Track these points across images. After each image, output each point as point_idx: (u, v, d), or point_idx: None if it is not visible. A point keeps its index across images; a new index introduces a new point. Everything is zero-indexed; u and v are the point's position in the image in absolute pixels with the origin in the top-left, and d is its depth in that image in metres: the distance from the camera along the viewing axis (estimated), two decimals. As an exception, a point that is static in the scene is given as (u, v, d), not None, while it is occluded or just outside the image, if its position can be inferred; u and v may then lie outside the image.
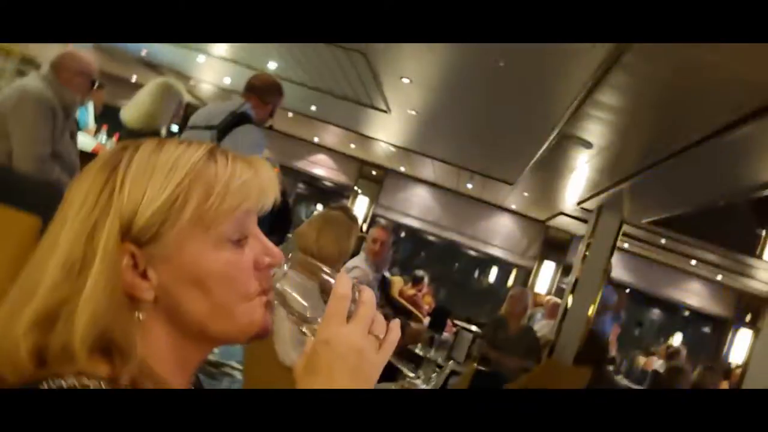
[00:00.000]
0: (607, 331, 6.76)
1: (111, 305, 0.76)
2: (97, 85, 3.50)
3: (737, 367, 8.79)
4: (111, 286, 0.76)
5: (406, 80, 5.51)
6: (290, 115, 9.52)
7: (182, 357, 0.85)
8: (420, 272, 8.42)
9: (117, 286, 0.76)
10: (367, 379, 0.77)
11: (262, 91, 3.73)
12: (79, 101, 3.30)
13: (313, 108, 8.33)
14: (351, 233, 2.90)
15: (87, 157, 4.10)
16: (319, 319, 0.82)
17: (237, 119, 3.55)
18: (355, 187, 11.26)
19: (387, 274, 6.72)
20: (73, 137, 3.39)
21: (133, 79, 10.27)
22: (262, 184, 0.85)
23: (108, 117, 6.10)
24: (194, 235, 0.79)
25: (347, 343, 0.76)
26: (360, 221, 11.22)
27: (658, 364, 8.68)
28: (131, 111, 3.82)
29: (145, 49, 8.20)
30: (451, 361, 4.40)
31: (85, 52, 3.57)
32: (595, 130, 4.62)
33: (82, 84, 3.26)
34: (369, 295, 0.81)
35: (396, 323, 0.83)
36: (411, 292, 7.96)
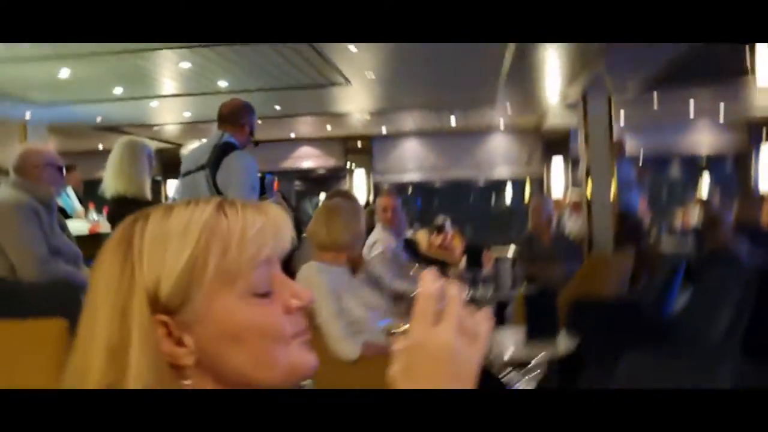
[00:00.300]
0: (635, 206, 6.70)
1: (157, 380, 0.76)
2: (65, 169, 3.49)
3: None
4: (154, 362, 0.76)
5: (352, 48, 5.44)
6: (259, 122, 9.43)
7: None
8: (440, 219, 8.37)
9: (160, 360, 0.77)
10: (466, 377, 0.76)
11: (234, 116, 3.81)
12: (55, 192, 3.28)
13: (278, 107, 8.28)
14: (357, 214, 2.90)
15: (87, 240, 4.13)
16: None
17: (222, 151, 3.59)
18: (347, 165, 11.21)
19: (409, 233, 6.74)
20: (64, 228, 3.39)
21: (100, 147, 10.24)
22: (277, 228, 0.85)
23: (91, 194, 6.11)
24: (221, 293, 0.79)
25: (440, 345, 0.75)
26: (364, 195, 11.21)
27: (695, 214, 8.60)
28: (107, 182, 3.85)
29: (98, 117, 8.15)
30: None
31: (40, 145, 3.56)
32: None
33: (52, 175, 3.24)
34: (455, 290, 0.79)
35: (485, 313, 0.82)
36: (438, 241, 7.94)
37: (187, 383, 0.80)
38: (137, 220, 0.83)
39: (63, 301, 2.97)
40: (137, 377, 0.75)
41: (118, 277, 0.79)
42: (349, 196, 3.24)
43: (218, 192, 3.53)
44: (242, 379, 0.82)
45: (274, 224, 0.84)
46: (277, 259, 0.86)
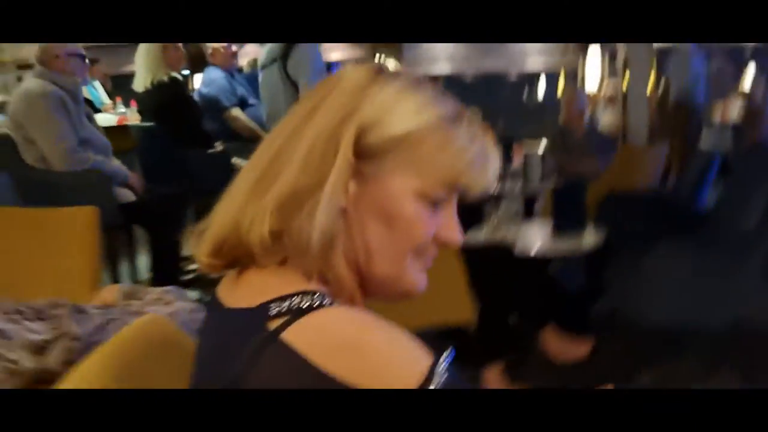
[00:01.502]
0: (700, 102, 6.35)
1: (340, 207, 0.79)
2: (89, 60, 3.49)
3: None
4: (344, 190, 0.78)
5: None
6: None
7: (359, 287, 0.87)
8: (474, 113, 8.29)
9: (346, 191, 0.79)
10: None
11: None
12: (80, 82, 3.30)
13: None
14: None
15: (114, 131, 4.16)
16: None
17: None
18: (376, 56, 10.97)
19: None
20: (91, 119, 3.41)
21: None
22: (487, 171, 0.85)
23: (119, 88, 6.10)
24: (406, 175, 0.80)
25: None
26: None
27: (737, 106, 8.30)
28: (138, 77, 3.94)
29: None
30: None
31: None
32: None
33: (75, 64, 3.26)
34: None
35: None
36: (468, 136, 7.90)
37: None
38: (380, 71, 0.84)
39: (93, 190, 3.03)
40: (331, 196, 0.77)
41: (348, 96, 0.80)
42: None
43: (290, 80, 3.94)
44: (364, 257, 0.84)
45: (487, 171, 0.85)
46: (457, 195, 0.86)
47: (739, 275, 2.43)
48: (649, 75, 6.07)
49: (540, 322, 2.82)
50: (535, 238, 3.22)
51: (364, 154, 0.79)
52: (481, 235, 3.17)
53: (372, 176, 0.80)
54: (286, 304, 0.76)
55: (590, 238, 3.05)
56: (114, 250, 3.38)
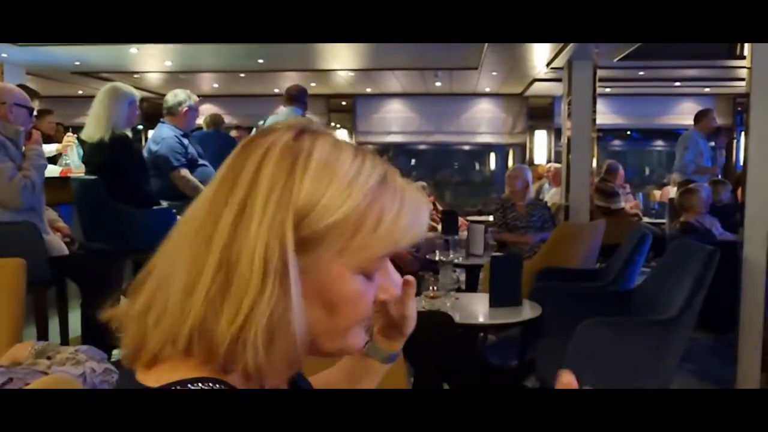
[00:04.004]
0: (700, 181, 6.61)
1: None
2: (39, 112, 3.48)
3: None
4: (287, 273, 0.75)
5: (338, 2, 5.35)
6: (242, 75, 9.31)
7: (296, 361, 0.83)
8: (421, 184, 8.39)
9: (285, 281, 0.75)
10: None
11: (300, 96, 5.62)
12: (22, 130, 3.27)
13: (261, 61, 8.15)
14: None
15: (56, 182, 4.08)
16: None
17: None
18: (330, 123, 11.12)
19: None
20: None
21: (80, 92, 10.06)
22: (421, 225, 0.83)
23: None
24: (343, 257, 0.77)
25: None
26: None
27: (673, 191, 8.65)
28: (88, 126, 3.90)
29: (77, 61, 7.98)
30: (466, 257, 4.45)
31: (9, 85, 3.53)
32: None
33: (20, 114, 3.24)
34: None
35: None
36: (416, 205, 7.97)
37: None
38: (304, 137, 0.79)
39: (24, 242, 2.97)
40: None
41: (281, 185, 0.75)
42: None
43: None
44: (309, 339, 0.80)
45: (420, 220, 0.83)
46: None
47: (665, 357, 2.49)
48: (591, 153, 6.28)
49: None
50: (474, 308, 3.24)
51: (301, 243, 0.76)
52: (420, 303, 3.18)
53: (307, 269, 0.77)
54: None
55: (526, 311, 3.09)
56: (43, 306, 3.27)
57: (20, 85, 3.88)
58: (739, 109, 10.19)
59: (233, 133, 7.97)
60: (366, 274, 0.80)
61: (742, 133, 9.68)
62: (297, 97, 5.45)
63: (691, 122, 10.85)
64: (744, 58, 6.91)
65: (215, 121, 6.91)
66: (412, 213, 0.81)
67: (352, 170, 0.79)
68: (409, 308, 0.99)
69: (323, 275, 0.78)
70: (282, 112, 5.36)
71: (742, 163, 2.37)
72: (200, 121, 6.21)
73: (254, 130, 4.18)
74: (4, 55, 7.23)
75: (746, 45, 4.11)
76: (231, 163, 0.80)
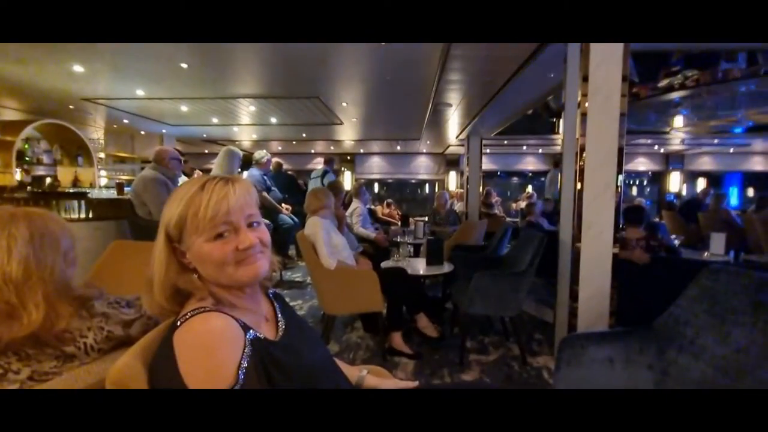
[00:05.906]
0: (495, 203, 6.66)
1: (171, 274, 0.79)
2: (183, 161, 3.38)
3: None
4: (167, 265, 0.80)
5: (344, 104, 5.30)
6: (294, 143, 9.18)
7: (233, 289, 0.82)
8: (389, 200, 8.37)
9: (171, 265, 0.80)
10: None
11: (331, 162, 5.61)
12: (178, 174, 3.16)
13: (304, 134, 8.03)
14: (326, 195, 2.81)
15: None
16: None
17: (324, 171, 5.12)
18: (341, 169, 11.03)
19: (371, 206, 6.66)
20: None
21: (206, 151, 9.82)
22: (230, 202, 0.78)
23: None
24: (196, 236, 0.78)
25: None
26: (349, 185, 10.98)
27: (522, 204, 8.73)
28: (215, 171, 3.80)
29: (204, 134, 7.78)
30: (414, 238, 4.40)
31: (168, 146, 3.43)
32: (451, 95, 4.48)
33: (176, 164, 3.14)
34: None
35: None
36: (387, 211, 7.92)
37: (197, 276, 0.78)
38: (192, 184, 0.81)
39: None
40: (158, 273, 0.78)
41: (165, 220, 0.80)
42: (327, 186, 3.50)
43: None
44: (214, 280, 0.80)
45: (228, 200, 0.78)
46: (242, 217, 0.79)
47: (519, 292, 2.47)
48: (479, 185, 6.26)
49: (416, 311, 2.79)
50: (418, 266, 3.22)
51: (175, 240, 0.79)
52: (389, 263, 3.15)
53: (187, 247, 0.79)
54: (187, 314, 0.73)
55: (446, 268, 3.09)
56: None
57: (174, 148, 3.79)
58: (556, 161, 10.32)
59: (289, 172, 7.83)
60: (213, 238, 0.78)
61: (558, 174, 9.98)
62: (328, 161, 5.62)
63: (532, 168, 11.02)
64: (558, 133, 7.01)
65: (279, 166, 6.80)
66: (218, 199, 0.78)
67: (182, 190, 0.79)
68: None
69: (196, 247, 0.78)
70: (319, 169, 5.39)
71: (559, 189, 2.36)
72: (271, 167, 6.07)
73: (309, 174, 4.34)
74: (164, 130, 7.02)
75: (561, 125, 4.12)
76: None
